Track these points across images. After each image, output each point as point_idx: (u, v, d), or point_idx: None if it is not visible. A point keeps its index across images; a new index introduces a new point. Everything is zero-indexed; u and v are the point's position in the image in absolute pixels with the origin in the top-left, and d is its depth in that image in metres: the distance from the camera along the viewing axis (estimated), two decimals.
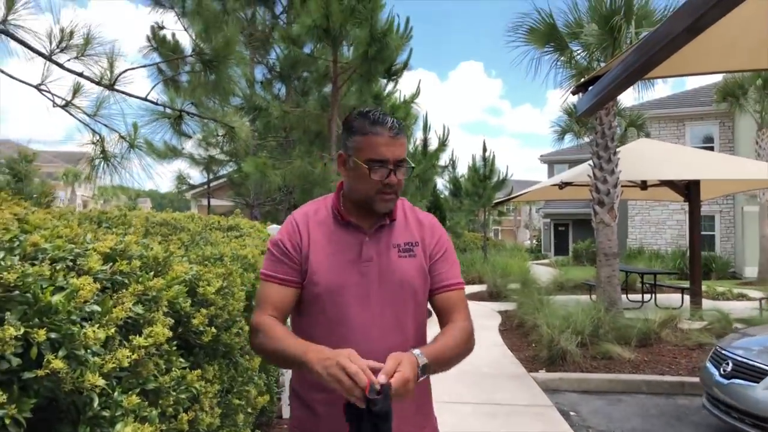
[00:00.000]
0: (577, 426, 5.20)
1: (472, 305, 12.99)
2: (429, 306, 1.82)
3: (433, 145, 15.20)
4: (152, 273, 1.86)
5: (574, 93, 7.96)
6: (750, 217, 20.47)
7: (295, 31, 9.06)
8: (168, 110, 3.53)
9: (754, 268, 19.21)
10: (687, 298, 11.68)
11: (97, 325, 1.38)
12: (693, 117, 23.59)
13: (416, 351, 1.48)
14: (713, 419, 5.14)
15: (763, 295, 11.25)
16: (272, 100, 10.58)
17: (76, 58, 3.07)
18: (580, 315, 7.98)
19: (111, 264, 1.67)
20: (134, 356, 1.49)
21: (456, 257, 1.84)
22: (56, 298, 1.28)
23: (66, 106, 3.13)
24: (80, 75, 3.15)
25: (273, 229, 5.24)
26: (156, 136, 3.58)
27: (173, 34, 8.20)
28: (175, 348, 1.85)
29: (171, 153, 12.75)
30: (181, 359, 1.89)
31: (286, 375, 4.55)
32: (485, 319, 10.65)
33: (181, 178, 13.97)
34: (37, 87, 3.01)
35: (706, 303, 11.19)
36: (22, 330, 1.19)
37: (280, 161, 9.14)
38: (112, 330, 1.44)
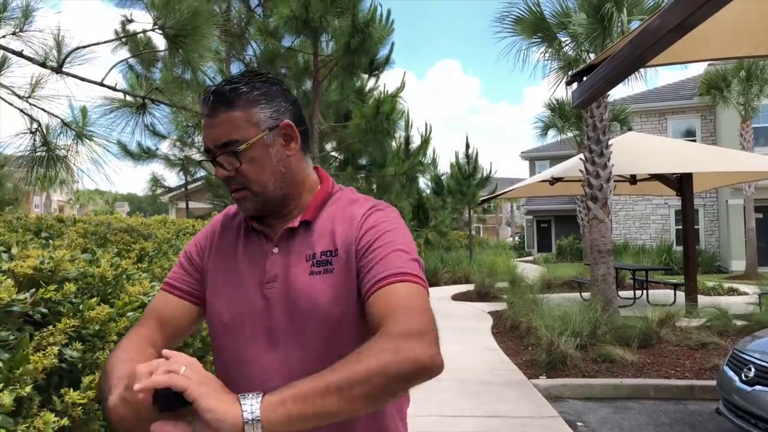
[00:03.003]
0: None
1: (461, 306, 12.72)
2: None
3: (416, 142, 14.85)
4: (97, 298, 1.42)
5: (569, 83, 7.64)
6: (735, 210, 20.38)
7: (272, 23, 8.64)
8: (129, 98, 3.05)
9: (741, 261, 19.11)
10: (680, 294, 11.44)
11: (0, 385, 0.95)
12: (675, 111, 23.53)
13: (252, 395, 0.93)
14: (730, 426, 4.81)
15: (759, 290, 11.03)
16: None
17: (14, 34, 2.60)
18: (577, 315, 7.66)
19: (33, 291, 1.23)
20: (63, 421, 1.06)
21: (401, 243, 1.20)
22: None
23: None
24: (19, 54, 2.68)
25: None
26: (116, 129, 3.10)
27: (143, 29, 7.72)
28: None
29: (145, 154, 12.25)
30: None
31: None
32: (476, 321, 10.28)
33: (155, 180, 13.42)
34: None
35: (700, 299, 10.94)
36: None
37: None
38: (28, 389, 1.01)
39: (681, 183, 10.98)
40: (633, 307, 10.34)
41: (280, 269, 1.24)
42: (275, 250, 1.26)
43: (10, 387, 0.99)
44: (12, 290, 1.15)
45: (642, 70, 9.36)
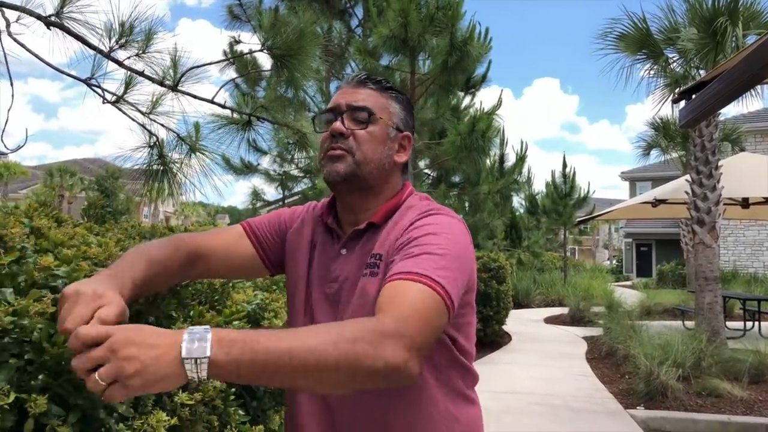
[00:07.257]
0: None
1: (554, 329, 12.35)
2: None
3: (511, 161, 14.65)
4: (206, 305, 1.51)
5: (675, 101, 7.33)
6: None
7: (371, 42, 8.84)
8: (236, 115, 3.24)
9: None
10: None
11: None
12: None
13: (199, 328, 0.86)
14: None
15: None
16: None
17: (137, 55, 2.83)
18: (679, 345, 7.24)
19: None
20: (173, 420, 1.13)
21: (437, 248, 1.12)
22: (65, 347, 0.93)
23: (117, 102, 2.88)
24: (141, 74, 2.91)
25: None
26: (223, 144, 3.28)
27: (250, 49, 8.11)
28: (233, 398, 1.48)
29: (247, 169, 12.80)
30: (241, 411, 1.53)
31: None
32: (570, 345, 9.95)
33: (255, 194, 13.99)
34: (86, 81, 2.78)
35: None
36: (12, 396, 0.85)
37: None
38: None
39: None
40: (743, 340, 9.66)
41: (342, 271, 1.27)
42: (343, 251, 1.29)
43: None
44: None
45: (758, 87, 8.82)
